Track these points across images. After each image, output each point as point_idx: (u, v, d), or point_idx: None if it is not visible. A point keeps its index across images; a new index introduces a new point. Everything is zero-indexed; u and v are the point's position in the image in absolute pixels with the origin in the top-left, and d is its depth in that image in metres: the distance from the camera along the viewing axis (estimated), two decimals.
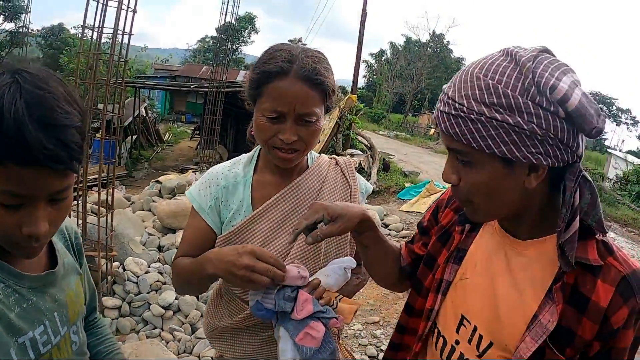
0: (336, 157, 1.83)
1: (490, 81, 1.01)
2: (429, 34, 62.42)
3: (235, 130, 18.29)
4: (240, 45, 61.46)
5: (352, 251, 1.73)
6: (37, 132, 0.87)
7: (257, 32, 64.92)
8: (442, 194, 1.55)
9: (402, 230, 10.28)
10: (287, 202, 1.63)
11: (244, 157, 1.74)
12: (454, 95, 1.05)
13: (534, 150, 1.01)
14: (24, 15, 28.23)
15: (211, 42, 55.80)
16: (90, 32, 4.64)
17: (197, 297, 5.16)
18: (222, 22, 15.37)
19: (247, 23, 61.10)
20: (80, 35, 5.59)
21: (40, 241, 1.01)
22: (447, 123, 1.06)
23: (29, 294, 1.10)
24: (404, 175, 16.72)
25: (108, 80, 4.42)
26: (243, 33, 59.17)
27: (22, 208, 0.95)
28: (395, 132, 44.63)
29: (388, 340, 1.59)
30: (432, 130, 47.65)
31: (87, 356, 1.37)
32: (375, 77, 67.07)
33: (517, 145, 1.01)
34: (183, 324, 4.90)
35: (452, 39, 64.04)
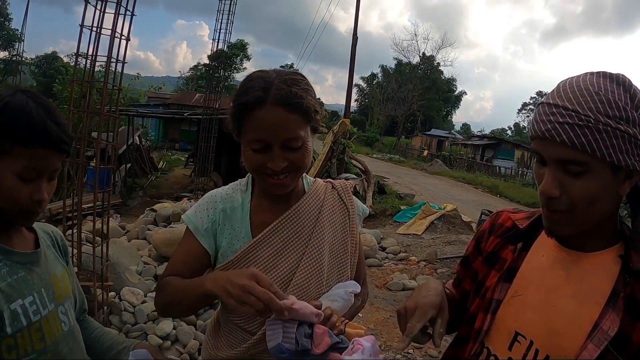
0: (332, 180, 1.81)
1: (610, 96, 1.11)
2: (419, 56, 62.97)
3: (229, 157, 18.25)
4: (233, 73, 61.91)
5: (352, 274, 1.71)
6: (53, 127, 1.27)
7: (249, 58, 65.46)
8: (479, 226, 1.62)
9: (399, 252, 10.24)
10: (287, 229, 1.60)
11: (239, 182, 1.72)
12: (575, 108, 1.11)
13: (638, 158, 1.12)
14: (17, 43, 28.39)
15: (203, 69, 56.18)
16: (84, 60, 4.63)
17: (195, 327, 5.08)
18: (215, 50, 15.44)
19: (239, 50, 61.61)
20: (73, 63, 5.57)
21: (42, 207, 1.33)
22: (572, 133, 1.10)
23: (17, 269, 1.33)
24: (400, 197, 16.71)
25: (102, 109, 4.40)
26: (235, 60, 59.67)
27: (33, 181, 1.28)
28: (388, 154, 44.83)
29: None
30: (426, 152, 47.92)
31: (82, 345, 1.52)
32: (367, 100, 67.53)
33: (629, 153, 1.11)
34: (181, 354, 4.81)
35: (442, 60, 64.26)
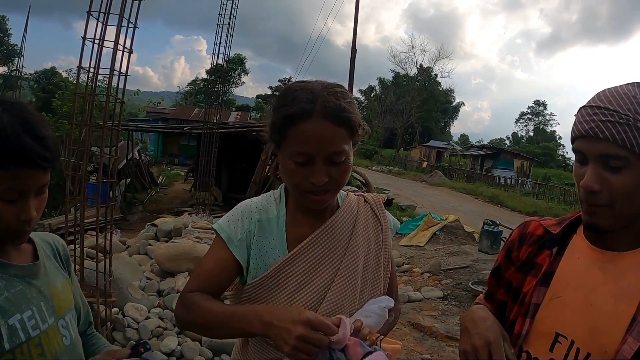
0: (364, 194, 1.77)
1: None
2: (417, 67, 63.22)
3: (228, 171, 18.23)
4: (231, 87, 62.18)
5: (384, 289, 1.67)
6: (31, 142, 1.16)
7: (247, 73, 65.83)
8: (509, 237, 1.64)
9: (403, 264, 10.19)
10: (323, 243, 1.55)
11: (273, 194, 1.66)
12: (615, 108, 1.22)
13: None
14: (17, 59, 28.48)
15: (202, 84, 56.46)
16: (85, 73, 4.60)
17: (201, 342, 5.01)
18: (215, 63, 15.48)
19: (236, 64, 61.94)
20: (75, 78, 5.55)
21: (31, 226, 1.27)
22: (613, 130, 1.21)
23: (15, 282, 1.28)
24: (401, 209, 16.70)
25: (104, 122, 4.36)
26: (233, 74, 59.95)
27: (17, 201, 1.21)
28: (388, 166, 44.81)
29: None
30: (425, 163, 47.96)
31: (82, 358, 1.48)
32: (365, 113, 67.75)
33: None
34: None
35: (440, 71, 64.60)
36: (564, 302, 1.35)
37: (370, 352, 1.31)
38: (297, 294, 1.49)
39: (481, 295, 1.75)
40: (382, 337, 1.44)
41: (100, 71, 4.58)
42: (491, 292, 1.66)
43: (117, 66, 4.56)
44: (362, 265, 1.60)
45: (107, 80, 4.55)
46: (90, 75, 4.59)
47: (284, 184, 1.62)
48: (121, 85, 4.68)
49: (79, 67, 4.56)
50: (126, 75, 4.61)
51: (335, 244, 1.56)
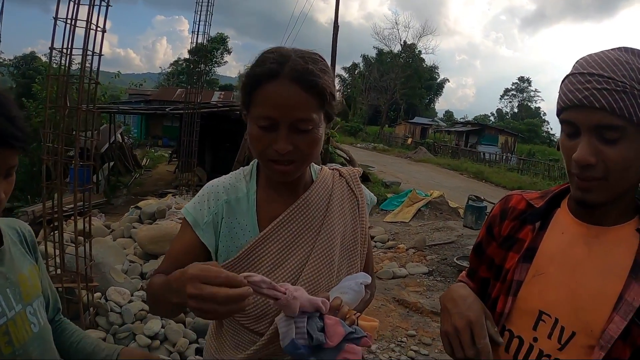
0: (339, 168, 1.71)
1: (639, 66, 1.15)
2: (400, 44, 63.03)
3: (212, 152, 18.12)
4: (214, 67, 61.62)
5: (362, 266, 1.63)
6: (2, 120, 1.14)
7: (229, 52, 65.16)
8: (490, 212, 1.59)
9: (387, 241, 10.24)
10: (297, 221, 1.50)
11: (243, 171, 1.60)
12: (610, 75, 1.14)
13: None
14: None
15: (184, 64, 55.82)
16: (59, 54, 4.49)
17: (185, 324, 5.00)
18: (194, 44, 15.29)
19: (219, 44, 61.26)
20: (48, 59, 5.41)
21: (0, 208, 1.24)
22: (610, 98, 1.13)
23: None
24: (385, 186, 16.73)
25: (79, 103, 4.26)
26: (215, 54, 59.35)
27: None
28: (372, 143, 44.77)
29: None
30: (410, 140, 48.03)
31: (54, 347, 1.45)
32: (349, 90, 67.53)
33: None
34: (171, 353, 4.72)
35: (424, 48, 64.58)
36: (548, 279, 1.31)
37: (352, 332, 1.27)
38: (271, 274, 1.44)
39: (464, 272, 1.70)
40: (359, 314, 1.40)
41: (75, 52, 4.49)
42: (473, 269, 1.61)
43: (91, 46, 4.46)
44: (338, 242, 1.54)
45: (84, 62, 4.46)
46: (64, 55, 4.48)
47: (255, 160, 1.56)
48: (95, 66, 4.59)
49: (51, 48, 4.45)
50: (100, 55, 4.50)
51: (310, 221, 1.51)
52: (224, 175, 1.59)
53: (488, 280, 1.53)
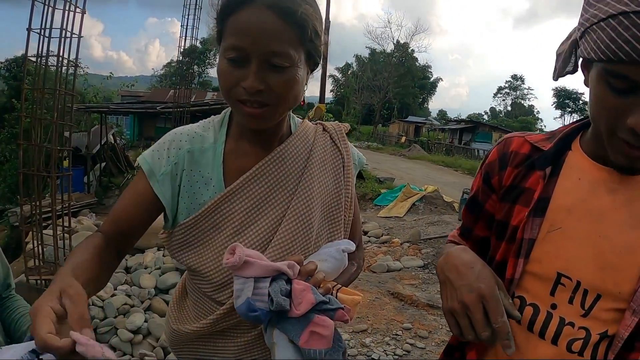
0: (323, 122, 1.52)
1: None
2: (393, 43, 63.20)
3: None
4: (207, 68, 61.65)
5: (346, 233, 1.44)
6: None
7: None
8: (485, 158, 1.36)
9: (382, 236, 10.14)
10: (269, 176, 1.32)
11: (213, 119, 1.41)
12: None
13: None
14: None
15: (177, 66, 55.79)
16: (38, 36, 4.32)
17: None
18: (183, 45, 15.26)
19: (212, 45, 61.30)
20: (26, 40, 5.26)
21: None
22: None
23: None
24: (379, 182, 16.63)
25: (56, 85, 4.08)
26: (208, 55, 59.34)
27: None
28: (366, 142, 44.77)
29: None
30: (403, 138, 48.07)
31: None
32: (342, 90, 67.64)
33: None
34: (154, 347, 4.62)
35: (417, 47, 64.87)
36: (566, 235, 1.12)
37: (325, 302, 1.09)
38: (237, 236, 1.28)
39: (454, 231, 1.49)
40: (341, 286, 1.22)
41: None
42: (468, 228, 1.41)
43: (71, 28, 4.31)
44: (318, 204, 1.36)
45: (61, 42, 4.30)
46: (42, 37, 4.32)
47: (228, 108, 1.38)
48: (74, 48, 4.43)
49: (29, 30, 4.28)
50: (79, 36, 4.35)
51: (284, 178, 1.33)
52: (192, 124, 1.40)
53: (487, 240, 1.33)
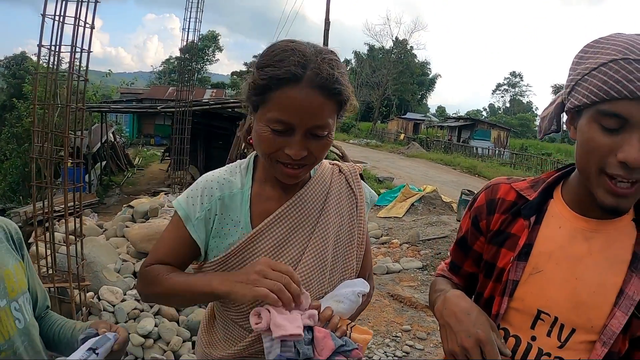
0: (339, 163, 1.64)
1: None
2: (392, 40, 63.08)
3: (205, 150, 18.06)
4: (205, 64, 61.51)
5: (357, 268, 1.57)
6: None
7: (220, 50, 65.06)
8: (472, 202, 1.49)
9: (381, 236, 10.22)
10: (291, 218, 1.44)
11: (239, 165, 1.54)
12: None
13: None
14: None
15: (176, 62, 55.66)
16: (49, 54, 4.45)
17: (178, 322, 4.97)
18: (185, 41, 15.26)
19: (210, 42, 61.16)
20: (44, 59, 5.37)
21: None
22: None
23: None
24: (379, 181, 16.71)
25: (68, 102, 4.22)
26: (207, 52, 59.26)
27: None
28: (365, 139, 44.77)
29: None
30: (402, 135, 48.01)
31: (39, 343, 1.45)
32: None
33: None
34: (165, 352, 4.70)
35: (416, 44, 64.91)
36: (546, 277, 1.26)
37: (342, 345, 1.24)
38: None
39: (443, 265, 1.65)
40: (353, 324, 1.35)
41: (63, 49, 4.45)
42: (457, 264, 1.56)
43: (80, 44, 4.42)
44: (332, 242, 1.49)
45: (72, 59, 4.42)
46: (53, 53, 4.44)
47: (253, 153, 1.53)
48: (84, 62, 4.55)
49: (39, 46, 4.40)
50: (89, 51, 4.47)
51: (305, 219, 1.46)
52: (219, 168, 1.54)
53: (474, 275, 1.49)
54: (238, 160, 1.56)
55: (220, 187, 1.45)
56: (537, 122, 1.40)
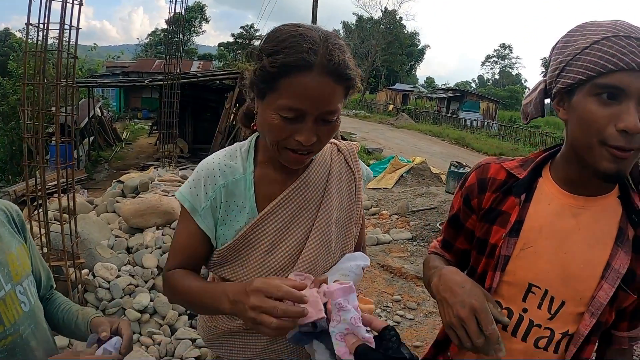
0: (337, 142, 1.65)
1: None
2: (381, 10, 62.56)
3: (193, 122, 17.98)
4: (192, 36, 60.70)
5: (355, 243, 1.62)
6: None
7: (207, 21, 64.19)
8: (463, 181, 1.54)
9: (371, 207, 10.28)
10: (296, 201, 1.47)
11: (239, 148, 1.53)
12: None
13: None
14: None
15: (162, 35, 54.99)
16: (36, 30, 4.41)
17: None
18: (172, 13, 15.06)
19: (196, 13, 60.29)
20: (24, 35, 5.31)
21: None
22: None
23: None
24: (368, 152, 16.74)
25: (58, 79, 4.21)
26: (193, 23, 58.44)
27: None
28: (354, 110, 44.60)
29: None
30: (391, 106, 47.88)
31: (45, 325, 1.47)
32: None
33: None
34: (161, 326, 4.74)
35: (405, 14, 64.42)
36: (536, 252, 1.33)
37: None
38: (269, 254, 1.45)
39: (435, 243, 1.70)
40: (358, 293, 1.37)
41: (51, 26, 4.40)
42: (449, 241, 1.62)
43: (68, 20, 4.38)
44: (335, 220, 1.52)
45: (61, 36, 4.38)
46: (41, 30, 4.40)
47: (253, 136, 1.54)
48: (73, 39, 4.52)
49: (27, 24, 4.35)
50: (77, 28, 4.43)
51: (309, 200, 1.49)
52: (218, 153, 1.53)
53: (466, 252, 1.55)
54: (237, 143, 1.56)
55: (223, 174, 1.46)
56: (522, 107, 1.45)
